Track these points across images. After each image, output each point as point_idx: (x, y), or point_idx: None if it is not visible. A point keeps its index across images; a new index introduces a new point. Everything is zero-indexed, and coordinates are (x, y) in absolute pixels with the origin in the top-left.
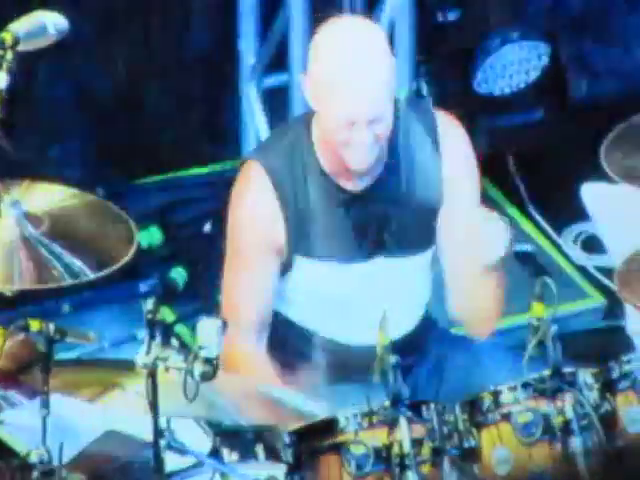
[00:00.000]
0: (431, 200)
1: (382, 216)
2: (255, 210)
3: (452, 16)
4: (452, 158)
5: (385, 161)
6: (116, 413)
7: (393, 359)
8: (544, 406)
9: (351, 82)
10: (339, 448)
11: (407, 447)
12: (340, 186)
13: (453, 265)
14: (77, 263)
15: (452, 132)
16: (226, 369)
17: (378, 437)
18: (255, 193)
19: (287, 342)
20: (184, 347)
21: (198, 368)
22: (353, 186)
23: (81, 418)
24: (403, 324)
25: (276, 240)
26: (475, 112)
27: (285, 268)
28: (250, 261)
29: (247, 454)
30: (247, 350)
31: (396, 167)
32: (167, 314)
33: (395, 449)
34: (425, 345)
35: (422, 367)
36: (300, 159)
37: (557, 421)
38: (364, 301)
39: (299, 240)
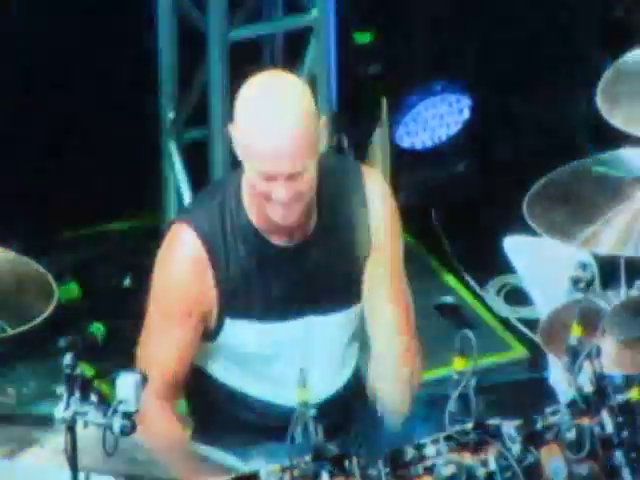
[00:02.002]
0: (359, 254)
1: (312, 272)
2: (184, 274)
3: (373, 70)
4: (377, 214)
5: (315, 216)
6: (34, 470)
7: (313, 412)
8: (467, 458)
9: (270, 137)
10: None
11: None
12: (271, 242)
13: (373, 320)
14: None
15: (376, 188)
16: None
17: None
18: (185, 257)
19: (217, 404)
20: (103, 402)
21: (117, 423)
22: (284, 242)
23: None
24: (333, 381)
25: (203, 305)
26: (397, 166)
27: (215, 331)
28: (172, 325)
29: None
30: (152, 407)
31: (325, 222)
32: (86, 369)
33: None
34: (354, 402)
35: (350, 425)
36: (230, 218)
37: (480, 473)
38: (293, 360)
39: (230, 301)
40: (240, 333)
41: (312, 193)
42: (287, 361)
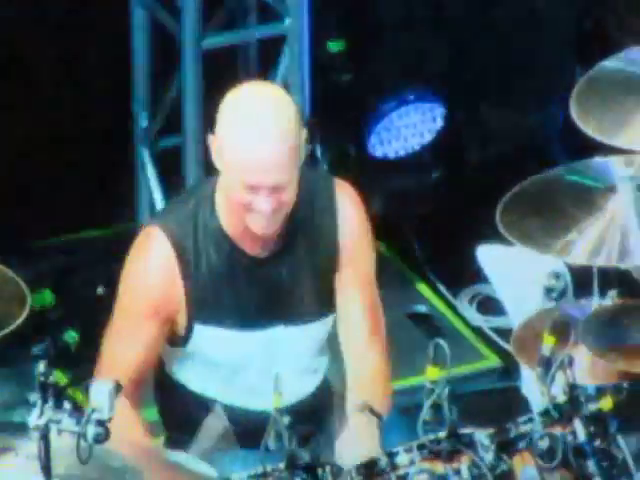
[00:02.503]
0: (329, 267)
1: (283, 283)
2: (152, 277)
3: (346, 78)
4: (347, 225)
5: (286, 228)
6: (8, 477)
7: (287, 420)
8: (440, 467)
9: (257, 150)
10: None
11: None
12: (243, 251)
13: (343, 332)
14: None
15: (347, 199)
16: None
17: None
18: (154, 259)
19: (187, 411)
20: (77, 410)
21: (91, 431)
22: (256, 252)
23: None
24: (302, 388)
25: (170, 307)
26: (370, 175)
27: (186, 336)
28: (136, 325)
29: None
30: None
31: (297, 234)
32: (59, 377)
33: None
34: (323, 411)
35: (321, 431)
36: (203, 225)
37: None
38: (263, 368)
39: (199, 307)
40: (210, 340)
41: (292, 204)
42: (256, 370)
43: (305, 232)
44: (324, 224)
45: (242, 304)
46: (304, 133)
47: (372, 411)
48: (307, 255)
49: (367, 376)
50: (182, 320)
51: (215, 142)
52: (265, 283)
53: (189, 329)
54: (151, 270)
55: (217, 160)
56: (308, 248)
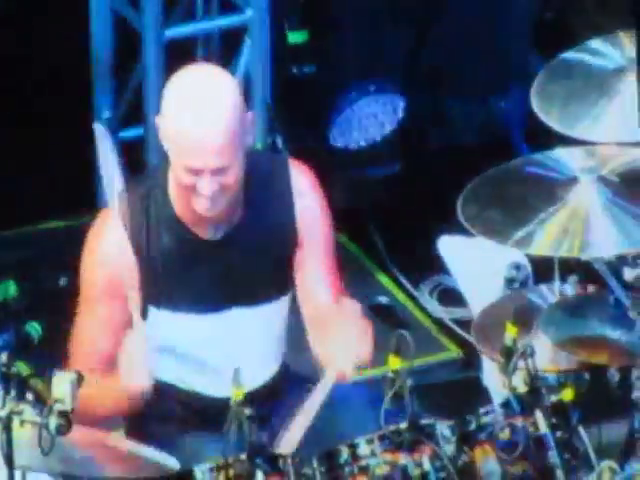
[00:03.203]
0: (285, 247)
1: (238, 265)
2: (106, 256)
3: (308, 69)
4: (304, 205)
5: (241, 210)
6: None
7: (248, 412)
8: (402, 459)
9: (196, 131)
10: None
11: None
12: (196, 234)
13: (308, 309)
14: None
15: (303, 180)
16: None
17: None
18: (108, 240)
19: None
20: (39, 401)
21: (53, 422)
22: (209, 235)
23: None
24: (259, 374)
25: (125, 290)
26: (331, 166)
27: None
28: (97, 306)
29: None
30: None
31: (252, 216)
32: (22, 368)
33: None
34: (282, 395)
35: (279, 417)
36: (155, 208)
37: (415, 474)
38: (219, 352)
39: (153, 291)
40: (165, 323)
41: (238, 186)
42: (213, 353)
43: (260, 214)
44: (280, 205)
45: (195, 287)
46: (249, 116)
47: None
48: (261, 237)
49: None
50: (136, 302)
51: (160, 124)
52: (218, 266)
53: (143, 313)
54: (106, 253)
55: (164, 141)
56: (263, 230)
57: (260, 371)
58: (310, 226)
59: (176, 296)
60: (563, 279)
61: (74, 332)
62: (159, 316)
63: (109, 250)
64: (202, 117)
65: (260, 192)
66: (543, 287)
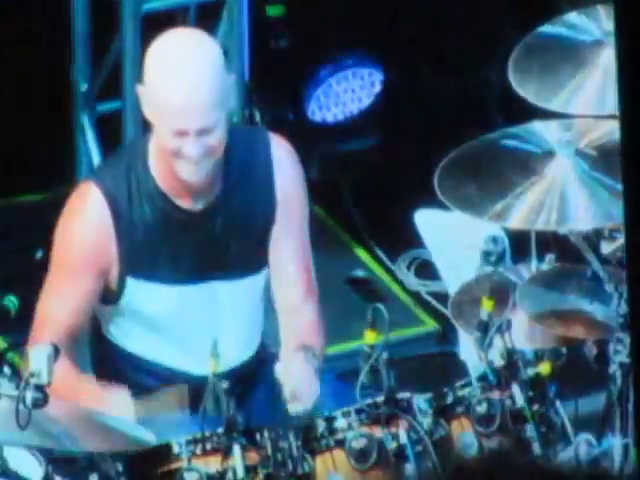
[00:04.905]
0: (265, 220)
1: (218, 237)
2: (86, 229)
3: (285, 43)
4: (283, 178)
5: (221, 182)
6: None
7: (225, 385)
8: (378, 432)
9: (180, 92)
10: (172, 475)
11: (241, 474)
12: (177, 205)
13: (278, 286)
14: None
15: (283, 153)
16: None
17: (212, 464)
18: (88, 212)
19: (121, 372)
20: (16, 375)
21: (29, 396)
22: (190, 205)
23: None
24: (240, 349)
25: (101, 261)
26: (309, 140)
27: (118, 291)
28: (69, 278)
29: None
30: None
31: (232, 188)
32: None
33: (229, 476)
34: (259, 372)
35: (256, 394)
36: (136, 179)
37: (391, 447)
38: (199, 325)
39: (132, 261)
40: (143, 294)
41: (221, 151)
42: (191, 326)
43: (241, 185)
44: (260, 177)
45: (176, 258)
46: (231, 78)
47: (311, 352)
48: (243, 208)
49: (304, 326)
50: (115, 274)
51: (142, 89)
52: (199, 236)
53: (121, 283)
54: (84, 224)
55: (146, 109)
56: (244, 201)
57: (239, 348)
58: (288, 200)
59: (155, 266)
60: (540, 258)
61: (42, 300)
62: (137, 286)
63: (90, 223)
64: (186, 78)
65: (240, 164)
66: (520, 266)
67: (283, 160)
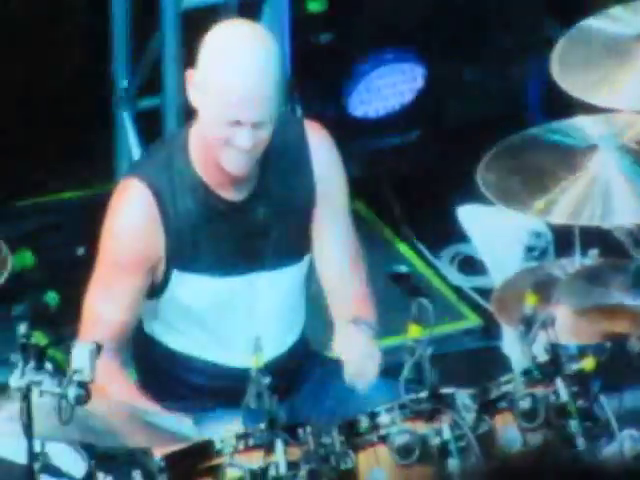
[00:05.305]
0: (305, 203)
1: (260, 226)
2: (133, 224)
3: (326, 38)
4: (320, 162)
5: (260, 171)
6: None
7: (267, 381)
8: (421, 427)
9: (243, 83)
10: (214, 471)
11: (283, 470)
12: (219, 196)
13: (326, 268)
14: None
15: (319, 138)
16: None
17: (254, 460)
18: (134, 207)
19: (164, 369)
20: (58, 371)
21: (72, 392)
22: (232, 196)
23: None
24: (283, 338)
25: (151, 256)
26: (350, 135)
27: (162, 284)
28: (120, 274)
29: (122, 478)
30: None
31: (271, 176)
32: (40, 338)
33: (271, 472)
34: (301, 365)
35: (299, 388)
36: (178, 171)
37: (434, 442)
38: (242, 317)
39: (177, 254)
40: (187, 287)
41: (266, 144)
42: (234, 318)
43: (279, 172)
44: (298, 162)
45: (219, 249)
46: (285, 73)
47: (365, 323)
48: (282, 194)
49: (353, 300)
50: (161, 268)
51: (195, 77)
52: (241, 226)
53: (166, 277)
54: (132, 219)
55: (196, 95)
56: (283, 187)
57: (281, 338)
58: (327, 183)
59: (200, 259)
60: (584, 253)
61: (92, 299)
62: (182, 279)
63: (138, 218)
64: (250, 70)
65: (277, 151)
66: (564, 261)
67: (319, 145)
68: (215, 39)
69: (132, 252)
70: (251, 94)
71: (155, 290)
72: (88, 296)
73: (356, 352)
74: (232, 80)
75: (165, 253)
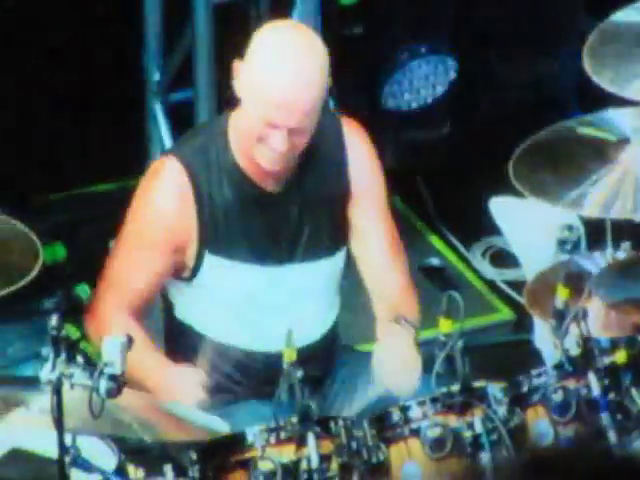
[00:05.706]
0: (341, 200)
1: (295, 219)
2: (165, 200)
3: (358, 31)
4: (356, 155)
5: (298, 163)
6: (20, 431)
7: (300, 374)
8: (453, 421)
9: (288, 89)
10: (246, 464)
11: (315, 463)
12: (256, 184)
13: (366, 266)
14: None
15: (354, 131)
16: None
17: (286, 453)
18: (168, 184)
19: (196, 356)
20: (89, 364)
21: (103, 385)
22: (268, 186)
23: None
24: (313, 329)
25: (180, 235)
26: (383, 127)
27: (195, 267)
28: (148, 248)
29: (153, 471)
30: (121, 319)
31: (307, 169)
32: (72, 331)
33: (303, 465)
34: (332, 357)
35: (330, 380)
36: (216, 156)
37: (466, 436)
38: (275, 306)
39: (211, 237)
40: (220, 272)
41: (303, 148)
42: (266, 307)
43: (315, 166)
44: (333, 157)
45: (253, 237)
46: (329, 82)
47: (407, 321)
48: (317, 189)
49: (394, 294)
50: (192, 250)
51: (242, 70)
52: (277, 217)
53: (199, 259)
54: (166, 197)
55: (241, 87)
56: (318, 182)
57: (314, 327)
58: (363, 178)
59: (233, 244)
60: (616, 246)
61: (116, 267)
62: (214, 262)
63: (170, 193)
64: (299, 77)
65: (315, 148)
66: (596, 254)
67: (355, 140)
68: (270, 38)
69: (162, 230)
70: (294, 102)
71: (187, 272)
72: (112, 260)
73: (396, 364)
74: (278, 84)
75: (197, 235)
